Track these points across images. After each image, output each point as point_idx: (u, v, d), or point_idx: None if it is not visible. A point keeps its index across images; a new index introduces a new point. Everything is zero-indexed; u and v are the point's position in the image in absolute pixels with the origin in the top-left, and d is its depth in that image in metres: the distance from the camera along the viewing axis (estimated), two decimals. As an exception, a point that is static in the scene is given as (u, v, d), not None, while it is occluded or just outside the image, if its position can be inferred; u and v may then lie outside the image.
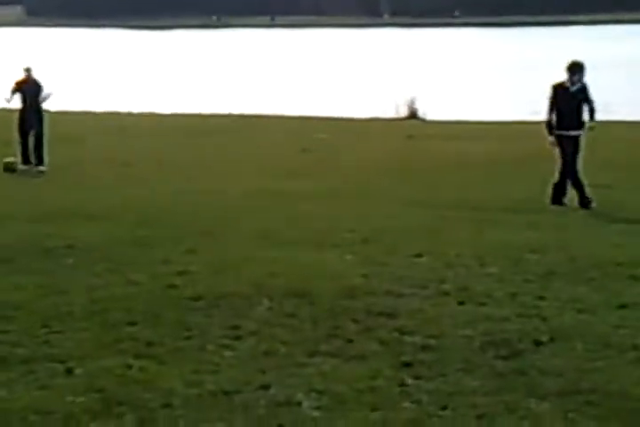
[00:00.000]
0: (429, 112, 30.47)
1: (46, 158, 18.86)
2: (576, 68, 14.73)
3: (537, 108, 31.63)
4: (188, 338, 7.85)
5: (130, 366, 7.13)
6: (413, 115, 30.23)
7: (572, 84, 14.80)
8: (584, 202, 14.68)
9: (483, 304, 8.85)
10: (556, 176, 15.17)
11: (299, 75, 58.13)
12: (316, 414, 6.21)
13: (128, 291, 9.31)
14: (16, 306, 8.74)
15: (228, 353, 7.46)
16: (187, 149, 22.81)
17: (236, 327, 8.11)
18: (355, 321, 8.28)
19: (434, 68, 59.68)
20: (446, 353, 7.43)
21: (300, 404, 6.39)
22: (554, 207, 14.93)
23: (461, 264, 10.52)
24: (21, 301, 8.94)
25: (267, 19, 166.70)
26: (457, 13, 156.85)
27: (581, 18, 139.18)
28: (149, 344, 7.66)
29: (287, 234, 12.19)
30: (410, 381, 6.82)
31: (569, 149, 14.91)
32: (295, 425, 6.08)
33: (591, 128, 15.31)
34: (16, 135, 19.21)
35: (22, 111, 19.20)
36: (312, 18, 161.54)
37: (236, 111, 34.62)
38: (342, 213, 13.78)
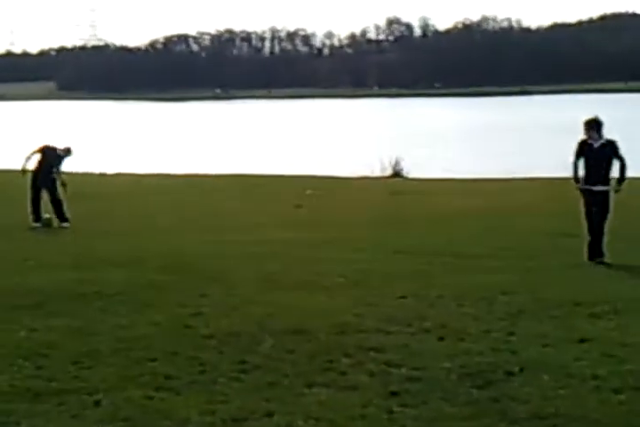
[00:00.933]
0: (412, 171, 30.53)
1: (68, 215, 18.57)
2: (593, 125, 13.47)
3: (510, 167, 32.19)
4: (202, 372, 7.88)
5: (151, 398, 7.18)
6: (397, 173, 30.37)
7: (593, 140, 13.48)
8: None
9: (460, 340, 8.85)
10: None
11: (297, 139, 58.30)
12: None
13: (149, 331, 9.34)
14: (50, 345, 8.73)
15: (236, 385, 7.54)
16: (198, 204, 22.90)
17: (243, 362, 8.18)
18: (347, 355, 8.34)
19: (417, 132, 59.83)
20: (428, 383, 7.52)
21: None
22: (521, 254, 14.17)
23: (441, 304, 10.48)
24: (54, 340, 8.91)
25: (265, 91, 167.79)
26: (437, 85, 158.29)
27: (543, 88, 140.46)
28: (168, 378, 7.70)
29: (285, 278, 12.23)
30: (396, 408, 6.92)
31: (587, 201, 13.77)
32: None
33: (616, 191, 13.93)
34: (29, 198, 18.68)
35: (36, 171, 18.68)
36: (307, 90, 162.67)
37: (240, 171, 34.79)
38: (334, 259, 13.82)
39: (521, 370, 7.80)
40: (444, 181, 27.92)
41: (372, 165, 30.25)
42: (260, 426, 6.54)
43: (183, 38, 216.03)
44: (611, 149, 13.50)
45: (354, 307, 10.39)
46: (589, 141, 13.49)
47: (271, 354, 8.41)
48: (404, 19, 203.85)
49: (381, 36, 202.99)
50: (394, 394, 7.23)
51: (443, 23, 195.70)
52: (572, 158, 13.73)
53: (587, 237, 13.70)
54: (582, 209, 13.86)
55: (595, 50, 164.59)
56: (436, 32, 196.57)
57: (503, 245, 15.11)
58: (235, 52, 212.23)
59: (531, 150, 42.54)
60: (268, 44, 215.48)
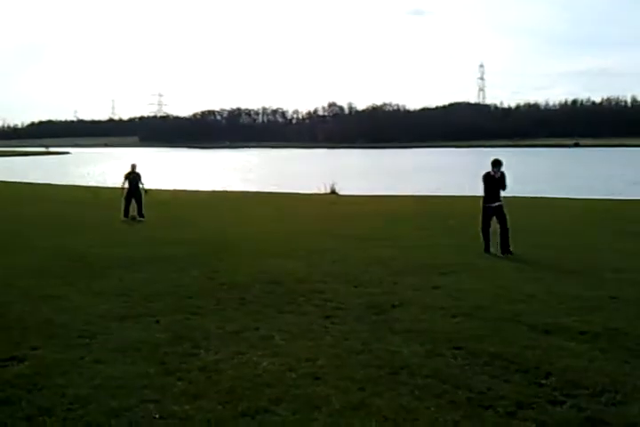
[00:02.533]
0: (342, 190, 30.58)
1: (145, 214, 18.39)
2: (497, 164, 11.85)
3: (400, 189, 32.36)
4: (217, 304, 7.84)
5: (188, 319, 7.21)
6: (333, 191, 30.35)
7: (495, 173, 11.83)
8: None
9: (366, 287, 8.80)
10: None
11: (276, 171, 58.28)
12: (282, 342, 6.33)
13: (188, 281, 9.21)
14: (131, 288, 8.74)
15: (237, 312, 7.56)
16: (221, 208, 22.80)
17: (242, 298, 8.15)
18: (302, 295, 8.30)
19: (345, 169, 59.88)
20: (348, 311, 7.56)
21: (273, 337, 6.50)
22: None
23: (356, 266, 10.36)
24: (133, 286, 8.97)
25: (256, 143, 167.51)
26: (368, 141, 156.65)
27: (415, 144, 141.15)
28: (198, 307, 7.65)
29: (269, 250, 12.19)
30: (329, 325, 7.00)
31: (486, 214, 12.05)
32: (269, 347, 6.17)
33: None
34: (123, 202, 18.50)
35: (129, 189, 18.53)
36: (282, 143, 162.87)
37: (244, 189, 34.72)
38: (296, 240, 13.83)
39: (400, 304, 7.83)
40: (361, 197, 27.98)
41: (319, 187, 30.28)
42: (251, 336, 6.53)
43: (211, 112, 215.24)
44: (502, 179, 11.97)
45: (306, 267, 10.33)
46: (491, 174, 11.92)
47: (258, 294, 8.38)
48: (339, 103, 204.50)
49: (325, 113, 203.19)
50: (328, 317, 7.27)
51: (360, 105, 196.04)
52: (481, 185, 12.04)
53: (482, 239, 12.04)
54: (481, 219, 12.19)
55: (443, 122, 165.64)
56: (357, 111, 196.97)
57: (395, 234, 15.17)
58: (241, 120, 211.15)
59: (410, 180, 42.75)
60: (260, 116, 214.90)
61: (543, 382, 5.20)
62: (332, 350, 6.08)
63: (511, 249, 11.75)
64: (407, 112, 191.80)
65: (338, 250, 12.32)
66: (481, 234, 12.22)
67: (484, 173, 12.11)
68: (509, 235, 11.82)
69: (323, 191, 30.10)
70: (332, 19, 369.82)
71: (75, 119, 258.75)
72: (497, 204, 12.04)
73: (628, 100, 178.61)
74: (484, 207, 12.19)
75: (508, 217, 11.99)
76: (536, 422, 4.48)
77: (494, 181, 12.01)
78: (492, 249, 11.89)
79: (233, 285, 8.97)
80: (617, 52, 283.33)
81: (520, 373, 5.41)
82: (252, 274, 9.72)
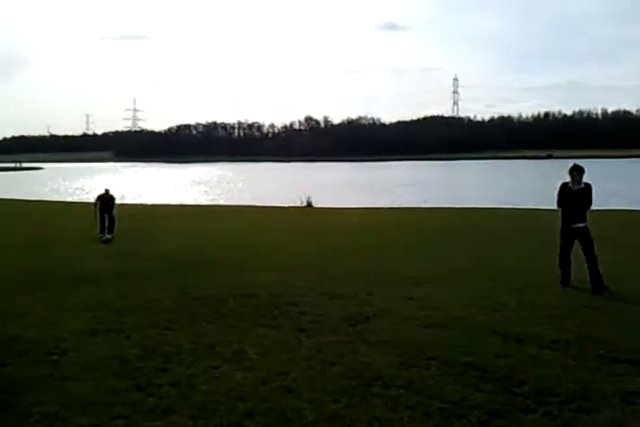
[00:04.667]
0: (318, 203, 30.68)
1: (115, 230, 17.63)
2: (576, 171, 9.25)
3: (371, 202, 32.49)
4: (191, 318, 7.74)
5: (160, 334, 7.12)
6: (309, 204, 30.43)
7: (573, 184, 9.31)
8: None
9: (341, 299, 8.78)
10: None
11: (251, 184, 58.26)
12: (255, 356, 6.29)
13: (161, 295, 9.22)
14: (102, 302, 8.63)
15: (211, 326, 7.47)
16: (196, 221, 22.65)
17: (217, 312, 8.08)
18: (276, 308, 8.27)
19: (323, 182, 60.14)
20: (322, 324, 7.51)
21: (247, 351, 6.45)
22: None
23: (330, 279, 10.35)
24: (105, 300, 8.82)
25: (231, 157, 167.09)
26: (344, 154, 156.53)
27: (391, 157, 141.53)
28: (171, 322, 7.55)
29: (244, 265, 12.14)
30: (303, 338, 6.93)
31: (565, 239, 9.52)
32: (242, 360, 6.12)
33: None
34: (98, 220, 17.61)
35: (101, 208, 17.65)
36: (259, 157, 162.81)
37: (221, 203, 34.64)
38: (272, 253, 13.80)
39: (374, 316, 7.82)
40: (337, 209, 28.06)
41: (295, 200, 30.37)
42: (224, 350, 6.44)
43: (187, 126, 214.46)
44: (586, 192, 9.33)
45: (281, 280, 10.26)
46: (569, 185, 9.36)
47: (232, 308, 8.30)
48: (314, 116, 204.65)
49: (302, 127, 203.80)
50: (302, 330, 7.21)
51: (336, 119, 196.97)
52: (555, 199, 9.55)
53: (559, 269, 9.65)
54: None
55: (419, 136, 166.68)
56: (332, 124, 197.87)
57: (371, 246, 15.22)
58: (217, 134, 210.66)
59: (380, 193, 42.99)
60: (236, 130, 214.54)
61: (516, 390, 5.22)
62: (305, 362, 6.05)
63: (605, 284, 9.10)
64: (383, 125, 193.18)
65: (313, 262, 12.31)
66: (558, 262, 9.68)
67: (560, 183, 9.51)
68: (598, 265, 9.27)
69: (299, 204, 30.15)
70: (307, 33, 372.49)
71: (47, 134, 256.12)
72: (579, 225, 9.36)
73: (599, 113, 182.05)
74: (563, 229, 9.53)
75: (594, 244, 9.40)
76: (508, 430, 4.49)
77: (572, 195, 9.31)
78: (572, 280, 9.53)
79: (207, 299, 8.89)
80: (589, 65, 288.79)
81: (493, 382, 5.43)
82: (226, 288, 9.65)
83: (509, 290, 9.35)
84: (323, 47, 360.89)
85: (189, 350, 6.48)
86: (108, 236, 17.35)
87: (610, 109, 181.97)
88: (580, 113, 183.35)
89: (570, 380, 5.42)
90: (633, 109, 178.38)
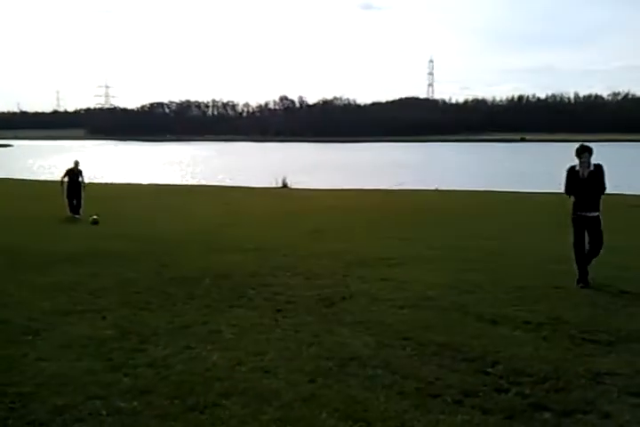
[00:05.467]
0: (292, 184, 30.66)
1: (82, 211, 17.49)
2: (584, 152, 8.24)
3: (353, 183, 32.57)
4: (166, 299, 7.75)
5: (135, 315, 7.11)
6: (285, 185, 30.38)
7: (582, 168, 8.26)
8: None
9: (317, 279, 8.82)
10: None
11: (225, 165, 57.82)
12: (231, 336, 6.29)
13: (135, 275, 9.12)
14: (76, 283, 8.52)
15: (186, 306, 7.49)
16: (170, 201, 22.45)
17: (191, 293, 8.08)
18: (252, 289, 8.30)
19: (299, 162, 59.96)
20: (298, 304, 7.55)
21: (223, 331, 6.46)
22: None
23: (305, 259, 10.34)
24: (80, 280, 8.73)
25: (206, 136, 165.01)
26: (319, 135, 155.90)
27: (366, 139, 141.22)
28: (147, 303, 7.57)
29: (217, 245, 12.07)
30: (280, 318, 6.98)
31: (577, 228, 8.53)
32: (218, 341, 6.12)
33: None
34: (65, 199, 17.64)
35: (70, 186, 17.68)
36: (232, 136, 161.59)
37: (194, 183, 34.38)
38: (247, 234, 13.75)
39: (350, 296, 7.88)
40: (313, 190, 28.06)
41: (271, 181, 30.34)
42: (200, 330, 6.47)
43: (160, 104, 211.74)
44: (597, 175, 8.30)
45: (257, 261, 10.29)
46: (577, 168, 8.32)
47: (208, 288, 8.33)
48: (290, 96, 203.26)
49: (277, 106, 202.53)
50: (278, 310, 7.26)
51: (312, 99, 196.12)
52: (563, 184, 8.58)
53: (575, 264, 8.59)
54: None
55: (393, 118, 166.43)
56: (308, 105, 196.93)
57: (347, 227, 15.24)
58: (190, 113, 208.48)
59: (359, 175, 43.04)
60: (210, 109, 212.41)
61: (489, 370, 5.31)
62: (281, 343, 6.08)
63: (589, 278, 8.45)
64: (358, 106, 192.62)
65: (289, 243, 12.30)
66: (573, 256, 8.65)
67: (567, 167, 8.50)
68: (595, 256, 8.55)
69: (274, 185, 30.07)
70: (283, 12, 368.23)
71: (17, 111, 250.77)
72: (592, 214, 8.38)
73: (572, 97, 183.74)
74: (574, 217, 8.56)
75: (603, 235, 8.49)
76: (482, 409, 4.57)
77: (582, 180, 8.28)
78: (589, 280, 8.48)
79: (182, 279, 8.86)
80: (563, 49, 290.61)
81: (467, 362, 5.51)
82: (201, 268, 9.62)
83: (483, 271, 9.46)
84: (299, 25, 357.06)
85: (165, 330, 6.48)
86: (78, 216, 17.21)
87: (582, 93, 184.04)
88: (554, 97, 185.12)
89: (542, 360, 5.53)
90: (604, 94, 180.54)
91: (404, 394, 4.84)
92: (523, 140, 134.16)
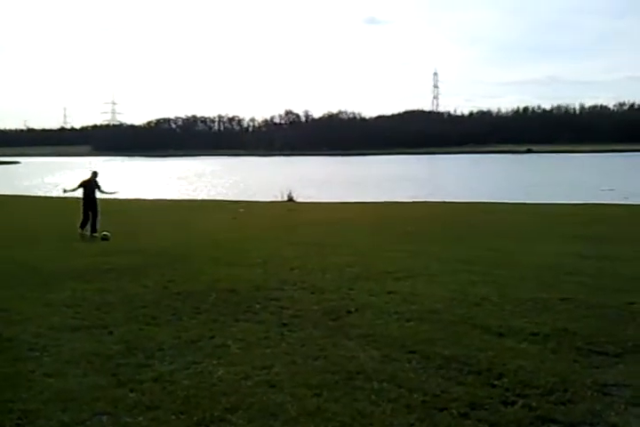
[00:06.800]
0: (298, 198, 30.72)
1: (98, 228, 16.78)
2: None
3: (359, 197, 32.58)
4: (173, 314, 7.73)
5: (142, 329, 7.10)
6: (290, 199, 30.43)
7: None
8: None
9: (322, 293, 8.80)
10: None
11: (234, 179, 57.87)
12: (238, 351, 6.29)
13: (142, 290, 9.15)
14: (82, 299, 8.56)
15: (193, 321, 7.46)
16: (176, 216, 22.50)
17: (197, 308, 8.06)
18: (258, 303, 8.27)
19: (304, 176, 60.04)
20: (305, 318, 7.53)
21: (229, 346, 6.46)
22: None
23: (313, 273, 10.30)
24: (86, 296, 8.78)
25: (211, 151, 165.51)
26: (325, 148, 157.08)
27: (373, 151, 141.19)
28: (153, 318, 7.55)
29: (225, 259, 12.11)
30: (286, 333, 6.95)
31: None
32: (224, 355, 6.12)
33: None
34: (81, 214, 16.98)
35: (86, 199, 16.89)
36: (239, 151, 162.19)
37: (200, 198, 34.48)
38: (253, 248, 13.75)
39: (356, 310, 7.86)
40: (319, 204, 28.12)
41: (277, 195, 30.41)
42: (206, 345, 6.46)
43: (166, 120, 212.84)
44: None
45: (264, 275, 10.27)
46: None
47: (214, 302, 8.33)
48: (295, 110, 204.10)
49: (282, 121, 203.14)
50: (284, 324, 7.24)
51: (317, 113, 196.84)
52: None
53: None
54: None
55: (399, 129, 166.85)
56: (313, 119, 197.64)
57: (352, 240, 15.25)
58: (197, 128, 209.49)
59: (365, 188, 43.10)
60: (216, 124, 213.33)
61: (496, 383, 5.30)
62: (287, 357, 6.08)
63: None
64: (363, 120, 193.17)
65: (295, 257, 12.30)
66: None
67: None
68: None
69: (280, 199, 30.15)
70: (289, 27, 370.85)
71: (24, 128, 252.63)
72: None
73: (577, 108, 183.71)
74: None
75: None
76: (488, 422, 4.56)
77: None
78: None
79: (188, 294, 8.87)
80: (566, 60, 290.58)
81: (473, 374, 5.50)
82: (207, 283, 9.63)
83: (490, 284, 9.43)
84: (304, 40, 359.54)
85: (171, 345, 6.48)
86: (95, 234, 16.49)
87: (587, 104, 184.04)
88: (559, 108, 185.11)
89: (548, 372, 5.51)
90: (610, 104, 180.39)
91: (410, 407, 4.83)
92: (529, 151, 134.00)
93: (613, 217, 20.67)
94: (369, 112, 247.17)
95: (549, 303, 8.12)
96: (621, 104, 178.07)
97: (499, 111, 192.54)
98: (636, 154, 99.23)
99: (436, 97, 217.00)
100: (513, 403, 4.88)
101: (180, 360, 5.98)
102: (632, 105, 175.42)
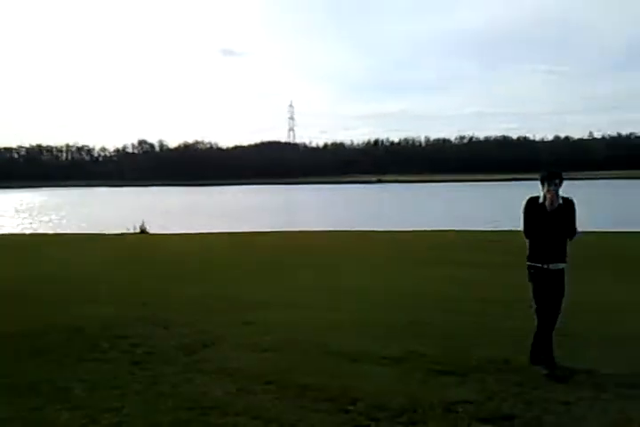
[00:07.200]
0: (150, 229, 29.89)
1: None
2: (553, 178, 6.09)
3: (207, 226, 32.20)
4: (12, 356, 7.20)
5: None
6: (143, 231, 29.49)
7: (552, 201, 6.13)
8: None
9: (176, 328, 8.50)
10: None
11: (83, 212, 54.92)
12: (82, 393, 5.93)
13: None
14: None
15: (30, 364, 6.91)
16: (21, 253, 20.84)
17: (36, 348, 7.48)
18: (107, 342, 7.84)
19: (161, 207, 58.45)
20: (158, 355, 7.26)
21: (73, 388, 6.07)
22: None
23: (173, 305, 10.19)
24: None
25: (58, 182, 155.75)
26: (180, 178, 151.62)
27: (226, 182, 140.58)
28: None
29: (69, 296, 11.25)
30: (137, 371, 6.65)
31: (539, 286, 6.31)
32: (67, 399, 5.75)
33: None
34: None
35: None
36: (87, 182, 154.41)
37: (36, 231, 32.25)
38: (103, 282, 13.01)
39: (212, 343, 7.69)
40: (173, 235, 27.48)
41: (128, 227, 29.38)
42: (47, 389, 5.99)
43: (7, 149, 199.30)
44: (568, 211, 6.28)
45: (113, 312, 9.70)
46: (541, 201, 6.18)
47: (55, 343, 7.77)
48: (149, 140, 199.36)
49: (135, 150, 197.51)
50: (136, 363, 6.91)
51: (172, 143, 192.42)
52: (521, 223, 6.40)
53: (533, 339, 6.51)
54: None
55: (256, 160, 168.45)
56: (168, 148, 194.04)
57: (208, 270, 14.96)
58: (42, 158, 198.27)
59: (219, 218, 42.77)
60: (64, 154, 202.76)
61: (350, 408, 5.38)
62: (138, 397, 5.80)
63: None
64: (220, 150, 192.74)
65: (147, 291, 11.87)
66: (536, 328, 6.42)
67: (526, 199, 6.38)
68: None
69: (132, 231, 29.15)
70: (143, 54, 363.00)
71: None
72: (558, 266, 6.26)
73: (422, 140, 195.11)
74: (532, 271, 6.32)
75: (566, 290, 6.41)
76: (343, 448, 4.61)
77: (548, 217, 6.17)
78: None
79: (25, 334, 8.21)
80: (414, 95, 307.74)
81: (328, 401, 5.54)
82: (50, 321, 8.99)
83: (345, 310, 9.64)
84: (159, 69, 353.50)
85: (8, 390, 5.96)
86: None
87: (432, 137, 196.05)
88: (406, 140, 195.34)
89: (399, 394, 5.69)
90: (451, 137, 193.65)
91: (266, 440, 4.77)
92: (379, 181, 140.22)
93: (452, 243, 22.02)
94: (226, 142, 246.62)
95: (401, 327, 8.43)
96: (462, 137, 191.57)
97: (351, 143, 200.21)
98: (478, 184, 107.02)
99: (292, 129, 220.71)
100: (366, 427, 4.97)
101: (17, 407, 5.51)
102: (471, 138, 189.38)
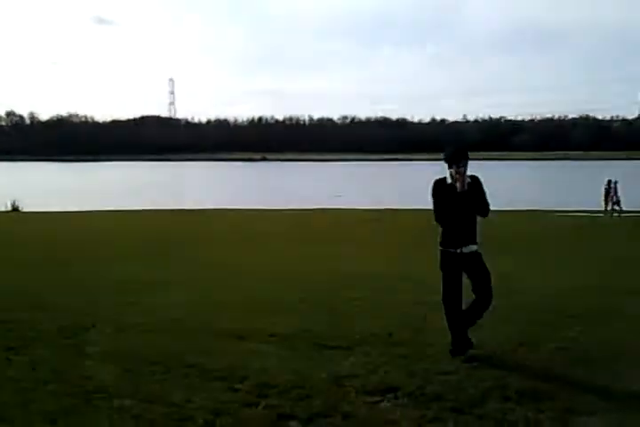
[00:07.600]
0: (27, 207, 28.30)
1: None
2: (459, 157, 5.66)
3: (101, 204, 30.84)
4: None
5: None
6: (15, 208, 27.90)
7: (459, 181, 5.67)
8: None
9: (56, 311, 8.25)
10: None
11: None
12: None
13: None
14: None
15: None
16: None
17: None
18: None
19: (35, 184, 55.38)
20: (36, 339, 6.91)
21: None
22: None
23: (51, 287, 9.73)
24: None
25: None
26: (54, 153, 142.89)
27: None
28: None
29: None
30: (12, 356, 6.29)
31: (450, 271, 5.96)
32: None
33: None
34: None
35: None
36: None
37: None
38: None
39: (93, 325, 7.41)
40: (48, 213, 26.18)
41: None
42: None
43: None
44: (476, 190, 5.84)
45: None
46: (449, 182, 5.73)
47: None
48: (19, 112, 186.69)
49: (4, 123, 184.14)
50: (10, 348, 6.52)
51: (44, 116, 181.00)
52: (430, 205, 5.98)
53: (448, 325, 6.15)
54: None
55: (134, 135, 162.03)
56: (40, 121, 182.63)
57: (91, 249, 14.43)
58: None
59: (97, 196, 41.12)
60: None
61: (238, 386, 5.40)
62: (15, 384, 5.50)
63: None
64: (96, 124, 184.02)
65: (21, 273, 11.29)
66: (444, 315, 6.15)
67: (433, 181, 5.93)
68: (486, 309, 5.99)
69: (3, 209, 27.49)
70: (9, 20, 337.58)
71: None
72: (471, 248, 5.87)
73: (307, 119, 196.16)
74: (444, 254, 5.96)
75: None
76: (233, 426, 4.65)
77: (458, 198, 5.76)
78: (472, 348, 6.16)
79: None
80: (301, 73, 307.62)
81: (217, 380, 5.54)
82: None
83: (234, 289, 9.65)
84: (27, 36, 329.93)
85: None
86: None
87: (315, 116, 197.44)
88: (290, 118, 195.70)
89: (287, 371, 5.78)
90: (335, 117, 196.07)
91: (153, 421, 4.71)
92: (264, 159, 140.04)
93: (345, 223, 22.51)
94: (103, 116, 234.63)
95: (288, 304, 8.56)
96: (345, 117, 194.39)
97: (236, 120, 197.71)
98: (361, 163, 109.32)
99: (172, 103, 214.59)
100: (256, 404, 5.00)
101: None
102: (353, 119, 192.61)
